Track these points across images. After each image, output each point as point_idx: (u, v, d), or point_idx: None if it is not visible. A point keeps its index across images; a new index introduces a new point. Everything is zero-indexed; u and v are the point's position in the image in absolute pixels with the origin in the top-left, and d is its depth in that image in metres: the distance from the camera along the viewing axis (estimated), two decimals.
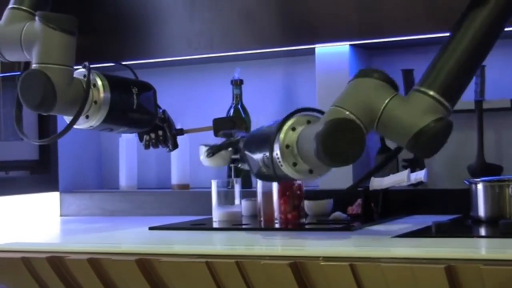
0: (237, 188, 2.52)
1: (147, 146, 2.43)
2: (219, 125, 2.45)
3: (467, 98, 2.50)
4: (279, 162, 1.98)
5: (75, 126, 2.23)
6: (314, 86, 2.73)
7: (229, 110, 2.83)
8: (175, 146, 2.43)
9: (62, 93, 2.14)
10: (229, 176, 2.81)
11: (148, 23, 2.87)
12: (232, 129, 2.44)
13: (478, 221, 2.23)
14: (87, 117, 2.23)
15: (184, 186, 2.96)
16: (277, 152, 1.98)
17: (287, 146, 1.98)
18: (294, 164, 1.98)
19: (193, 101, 3.02)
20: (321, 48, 2.70)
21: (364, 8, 2.56)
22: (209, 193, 2.54)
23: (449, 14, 2.43)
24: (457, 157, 2.60)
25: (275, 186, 2.37)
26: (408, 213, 2.49)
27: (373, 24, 2.56)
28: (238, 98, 2.85)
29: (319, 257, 1.81)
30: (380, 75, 1.96)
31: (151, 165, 3.16)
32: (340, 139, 1.87)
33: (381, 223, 2.33)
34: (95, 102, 2.22)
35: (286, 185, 2.37)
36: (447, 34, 2.47)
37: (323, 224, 2.35)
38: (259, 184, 2.43)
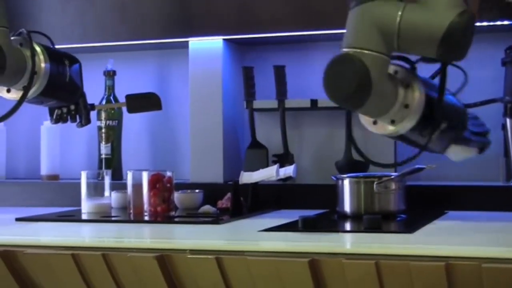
0: (107, 180, 2.50)
1: (57, 121, 2.35)
2: (132, 102, 2.41)
3: None
4: None
5: (4, 96, 2.14)
6: (187, 79, 2.74)
7: (101, 101, 2.80)
8: (88, 121, 2.36)
9: (9, 60, 2.05)
10: (100, 167, 2.79)
11: (20, 12, 2.81)
12: (147, 107, 2.40)
13: (344, 216, 2.27)
14: (24, 87, 2.13)
15: (54, 177, 2.91)
16: None
17: None
18: (375, 122, 1.95)
19: None
20: (194, 42, 2.71)
21: (238, 4, 2.59)
22: (79, 184, 2.50)
23: (320, 14, 2.49)
24: (326, 153, 2.65)
25: (145, 178, 2.37)
26: (277, 208, 2.53)
27: (247, 20, 2.59)
28: (110, 89, 2.83)
29: (186, 250, 1.81)
30: None
31: (20, 155, 3.09)
32: (338, 75, 1.82)
33: (249, 217, 2.35)
34: (35, 72, 2.13)
35: (156, 177, 2.36)
36: (318, 32, 2.55)
37: (192, 217, 2.35)
38: (129, 176, 2.41)
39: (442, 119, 1.89)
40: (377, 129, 1.94)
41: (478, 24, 2.31)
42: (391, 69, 1.90)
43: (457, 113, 1.97)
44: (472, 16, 1.79)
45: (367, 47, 1.80)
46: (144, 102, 2.42)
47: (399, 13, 1.79)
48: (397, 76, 1.89)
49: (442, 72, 1.88)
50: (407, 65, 1.91)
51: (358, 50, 1.80)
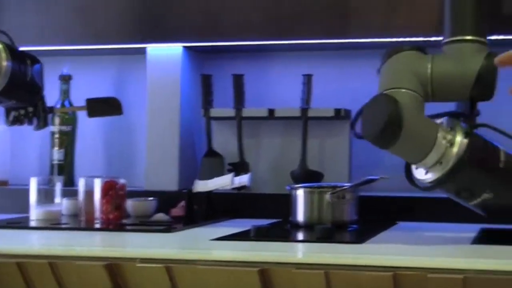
0: (58, 186, 2.47)
1: (13, 123, 2.29)
2: (93, 106, 2.37)
3: (293, 105, 2.56)
4: None
5: None
6: (145, 86, 2.72)
7: (55, 106, 2.76)
8: (45, 124, 2.31)
9: None
10: (51, 173, 2.75)
11: None
12: (107, 111, 2.37)
13: (297, 226, 2.27)
14: None
15: (3, 183, 2.86)
16: None
17: None
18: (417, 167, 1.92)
19: None
20: (153, 49, 2.69)
21: (199, 11, 2.57)
22: (29, 191, 2.46)
23: (282, 23, 2.48)
24: (281, 163, 2.64)
25: (97, 185, 2.34)
26: (231, 216, 2.51)
27: (209, 27, 2.57)
28: (65, 94, 2.80)
29: (136, 258, 1.80)
30: (410, 47, 1.91)
31: None
32: (371, 114, 1.84)
33: (203, 225, 2.33)
34: None
35: (109, 184, 2.34)
36: (281, 42, 2.55)
37: (144, 225, 2.33)
38: (81, 183, 2.38)
39: (485, 190, 1.84)
40: (415, 173, 1.91)
41: (427, 39, 2.35)
42: (448, 124, 1.86)
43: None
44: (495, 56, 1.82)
45: (402, 86, 1.84)
46: (105, 106, 2.40)
47: (429, 65, 1.86)
48: (449, 131, 1.83)
49: (471, 111, 1.89)
50: (463, 124, 1.87)
51: (394, 90, 1.83)
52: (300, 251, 1.93)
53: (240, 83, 2.65)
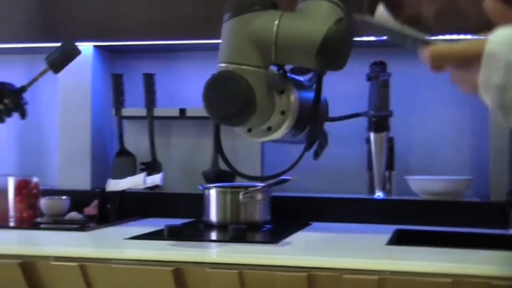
0: None
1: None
2: (56, 64, 2.34)
3: None
4: None
5: None
6: (57, 85, 2.71)
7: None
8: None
9: None
10: None
11: None
12: (69, 58, 2.35)
13: (210, 226, 2.28)
14: None
15: None
16: None
17: None
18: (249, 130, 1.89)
19: None
20: None
21: (105, 13, 2.57)
22: None
23: (189, 23, 2.50)
24: (193, 163, 2.67)
25: (11, 183, 2.33)
26: (144, 216, 2.53)
27: (116, 27, 2.57)
28: None
29: (50, 256, 1.81)
30: (261, 3, 1.78)
31: None
32: (220, 93, 1.73)
33: (116, 224, 2.34)
34: None
35: (22, 183, 2.33)
36: (185, 41, 2.56)
37: (58, 224, 2.33)
38: None
39: (309, 122, 1.89)
40: (252, 136, 1.89)
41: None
42: (281, 81, 1.86)
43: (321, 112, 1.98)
44: (350, 24, 1.76)
45: (247, 63, 1.75)
46: (64, 55, 2.37)
47: (276, 22, 1.75)
48: (270, 82, 1.83)
49: (318, 82, 1.86)
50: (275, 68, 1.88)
51: (242, 67, 1.75)
52: (214, 251, 1.94)
53: (151, 82, 2.66)
